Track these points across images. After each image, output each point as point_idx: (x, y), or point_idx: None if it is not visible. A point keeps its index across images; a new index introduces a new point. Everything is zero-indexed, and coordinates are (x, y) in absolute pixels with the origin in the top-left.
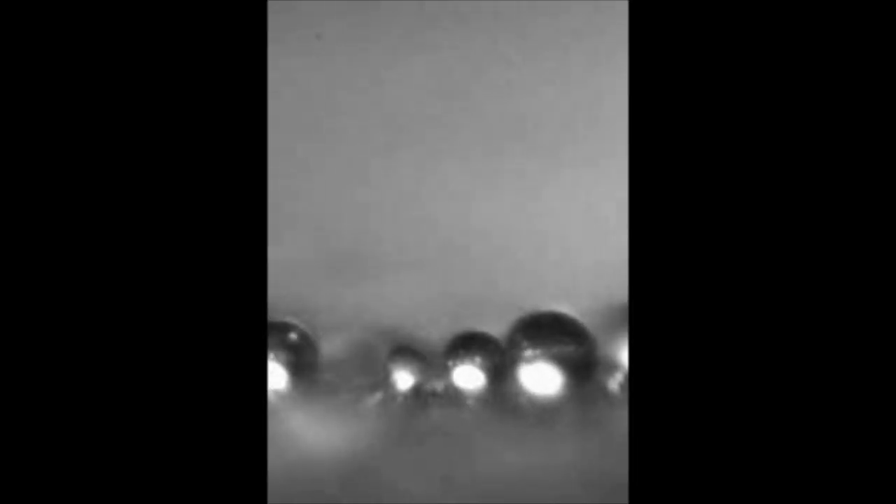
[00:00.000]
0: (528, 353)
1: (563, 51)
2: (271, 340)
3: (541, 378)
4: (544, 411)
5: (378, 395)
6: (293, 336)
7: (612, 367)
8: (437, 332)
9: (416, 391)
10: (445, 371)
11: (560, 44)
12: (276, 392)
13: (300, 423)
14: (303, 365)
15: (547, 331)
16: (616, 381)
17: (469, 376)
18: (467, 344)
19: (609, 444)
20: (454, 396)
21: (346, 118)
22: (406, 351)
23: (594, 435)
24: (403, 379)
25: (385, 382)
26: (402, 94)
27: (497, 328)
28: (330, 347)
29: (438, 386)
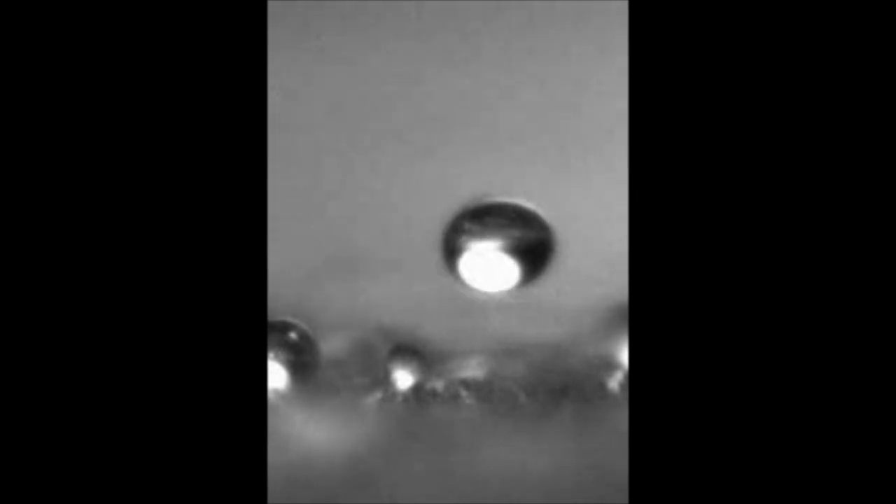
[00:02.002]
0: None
1: (562, 50)
2: (271, 340)
3: (491, 268)
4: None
5: (378, 395)
6: (293, 336)
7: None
8: (436, 332)
9: (416, 391)
10: (446, 368)
11: (559, 43)
12: (276, 392)
13: (300, 423)
14: (303, 364)
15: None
16: (616, 381)
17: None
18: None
19: (609, 444)
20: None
21: (346, 118)
22: (406, 350)
23: (594, 435)
24: (403, 378)
25: (385, 382)
26: (403, 95)
27: (497, 328)
28: (330, 347)
29: (438, 385)
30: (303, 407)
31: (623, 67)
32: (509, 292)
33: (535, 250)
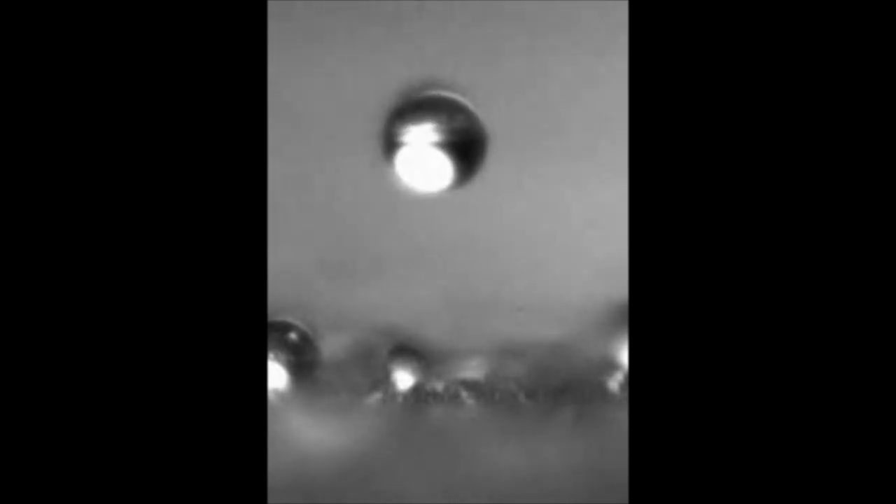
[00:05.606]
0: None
1: (561, 50)
2: (271, 340)
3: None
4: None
5: (378, 395)
6: (293, 336)
7: None
8: (437, 332)
9: (416, 391)
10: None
11: (559, 43)
12: (276, 392)
13: (300, 423)
14: (303, 365)
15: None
16: (616, 381)
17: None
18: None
19: (609, 444)
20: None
21: (346, 118)
22: (406, 351)
23: (594, 435)
24: (403, 379)
25: (385, 382)
26: None
27: (497, 328)
28: (330, 347)
29: (438, 386)
30: (303, 407)
31: (623, 67)
32: (445, 191)
33: (466, 144)
